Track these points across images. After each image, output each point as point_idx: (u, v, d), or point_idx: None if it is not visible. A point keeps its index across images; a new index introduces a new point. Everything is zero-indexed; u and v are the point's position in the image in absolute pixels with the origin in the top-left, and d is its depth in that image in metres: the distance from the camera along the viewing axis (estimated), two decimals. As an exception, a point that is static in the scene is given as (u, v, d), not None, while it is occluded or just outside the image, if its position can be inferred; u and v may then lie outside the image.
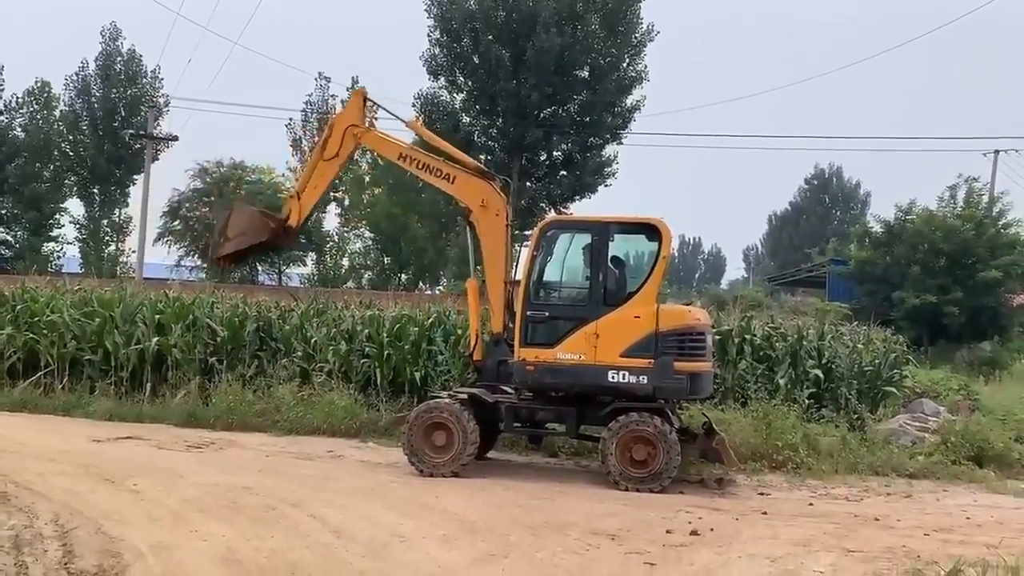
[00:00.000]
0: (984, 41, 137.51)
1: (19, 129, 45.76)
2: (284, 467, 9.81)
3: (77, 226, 47.54)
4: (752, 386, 12.23)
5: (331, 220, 44.68)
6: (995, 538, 7.09)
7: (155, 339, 13.82)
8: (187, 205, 37.73)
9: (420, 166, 10.90)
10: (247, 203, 13.19)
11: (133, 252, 42.10)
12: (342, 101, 46.75)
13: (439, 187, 11.04)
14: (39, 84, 46.68)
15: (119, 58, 47.08)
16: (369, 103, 11.74)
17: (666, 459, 9.15)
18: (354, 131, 10.98)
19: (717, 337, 12.22)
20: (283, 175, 42.27)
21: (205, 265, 35.06)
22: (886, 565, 6.43)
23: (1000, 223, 29.05)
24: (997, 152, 39.13)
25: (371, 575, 5.73)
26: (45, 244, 46.04)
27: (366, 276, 46.25)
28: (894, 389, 13.35)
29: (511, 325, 10.22)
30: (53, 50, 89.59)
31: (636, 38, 35.90)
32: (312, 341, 13.69)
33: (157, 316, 14.15)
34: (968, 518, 8.49)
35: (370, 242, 45.71)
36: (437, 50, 36.00)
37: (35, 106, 46.46)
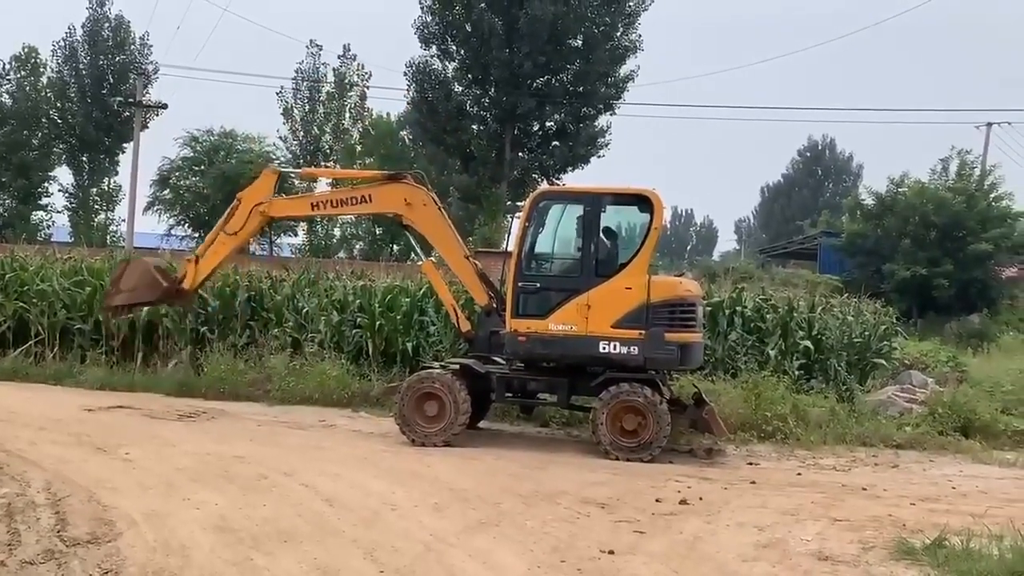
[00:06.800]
0: (978, 11, 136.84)
1: (6, 96, 45.22)
2: (276, 436, 9.84)
3: (66, 195, 47.33)
4: (742, 357, 12.32)
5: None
6: (980, 507, 7.18)
7: (146, 308, 13.75)
8: (177, 174, 37.41)
9: (335, 204, 11.27)
10: (144, 258, 13.35)
11: (123, 221, 41.98)
12: (334, 70, 46.35)
13: (363, 213, 11.15)
14: (26, 50, 46.12)
15: (107, 24, 46.50)
16: (281, 180, 11.92)
17: (656, 429, 9.22)
18: (259, 209, 11.09)
19: (708, 308, 12.27)
20: (273, 144, 41.98)
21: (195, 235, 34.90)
22: (873, 534, 6.51)
23: (991, 196, 29.11)
24: (990, 125, 39.13)
25: (363, 543, 5.76)
26: (34, 213, 45.74)
27: (357, 247, 46.11)
28: (883, 361, 13.44)
29: (492, 295, 10.26)
30: (40, 14, 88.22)
31: (630, 7, 35.45)
32: (304, 311, 13.69)
33: (148, 285, 14.04)
34: (954, 488, 8.59)
35: (361, 212, 45.46)
36: (429, 18, 35.52)
37: (22, 73, 45.89)
